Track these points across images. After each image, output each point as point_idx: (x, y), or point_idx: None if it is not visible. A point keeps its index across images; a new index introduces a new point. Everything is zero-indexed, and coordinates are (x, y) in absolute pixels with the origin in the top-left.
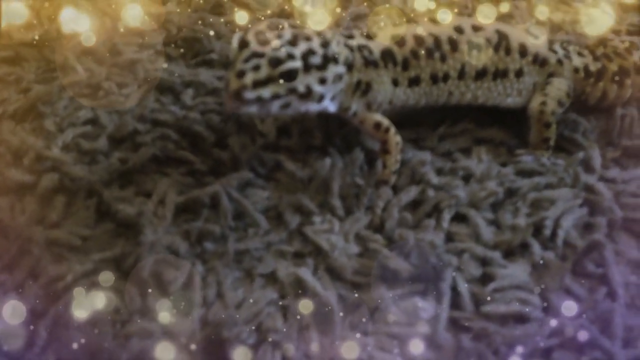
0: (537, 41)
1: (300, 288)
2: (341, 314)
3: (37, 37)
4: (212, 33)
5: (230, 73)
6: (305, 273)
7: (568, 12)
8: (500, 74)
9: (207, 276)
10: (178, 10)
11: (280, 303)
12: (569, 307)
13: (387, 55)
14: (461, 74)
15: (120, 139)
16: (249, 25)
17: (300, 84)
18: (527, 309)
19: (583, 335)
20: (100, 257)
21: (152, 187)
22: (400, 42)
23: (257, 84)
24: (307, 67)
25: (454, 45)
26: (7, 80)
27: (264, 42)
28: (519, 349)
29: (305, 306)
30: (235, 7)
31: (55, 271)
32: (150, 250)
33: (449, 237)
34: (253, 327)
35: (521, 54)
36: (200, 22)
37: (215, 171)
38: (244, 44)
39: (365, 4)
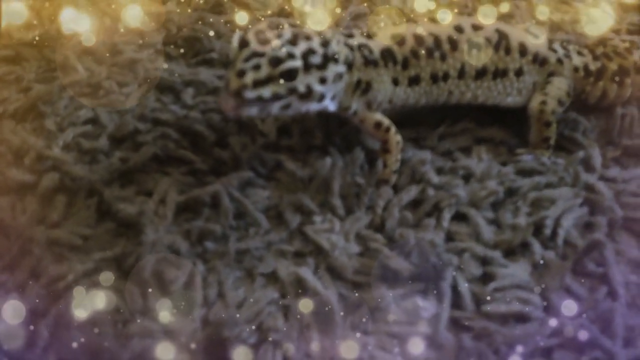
0: (537, 40)
1: (301, 287)
2: (342, 313)
3: (37, 37)
4: (212, 32)
5: (231, 72)
6: (306, 272)
7: (568, 12)
8: (500, 74)
9: (208, 276)
10: (178, 9)
11: (281, 302)
12: (570, 307)
13: (387, 54)
14: (461, 73)
15: (120, 138)
16: (249, 25)
17: (300, 84)
18: (528, 309)
19: (583, 335)
20: (101, 256)
21: (153, 186)
22: (400, 41)
23: (258, 84)
24: (308, 67)
25: (454, 44)
26: (8, 79)
27: (264, 42)
28: (520, 349)
29: (306, 306)
30: (235, 7)
31: (56, 271)
32: (151, 249)
33: (450, 237)
34: (254, 327)
35: (521, 53)
36: (200, 21)
37: (216, 170)
38: (244, 43)
39: (365, 3)
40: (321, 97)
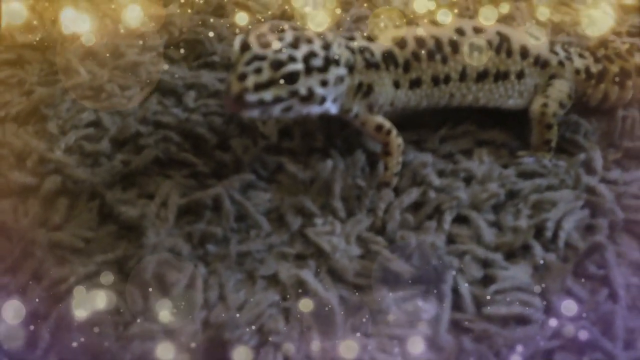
0: (539, 43)
1: (302, 290)
2: (342, 315)
3: (39, 40)
4: (213, 35)
5: (232, 76)
6: (307, 275)
7: (569, 14)
8: (501, 76)
9: (209, 278)
10: (179, 12)
11: (282, 305)
12: (570, 309)
13: (388, 57)
14: (462, 76)
15: (122, 141)
16: (250, 28)
17: (301, 87)
18: (529, 311)
19: (584, 337)
20: (103, 259)
21: (154, 189)
22: (401, 43)
23: (259, 87)
24: (309, 70)
25: (455, 47)
26: (10, 82)
27: (266, 45)
28: (520, 351)
29: (307, 308)
30: (237, 9)
31: (58, 273)
32: (153, 252)
33: (451, 239)
34: (255, 329)
35: (522, 56)
36: (201, 24)
37: (217, 173)
38: (245, 46)
39: (365, 5)
40: (322, 100)
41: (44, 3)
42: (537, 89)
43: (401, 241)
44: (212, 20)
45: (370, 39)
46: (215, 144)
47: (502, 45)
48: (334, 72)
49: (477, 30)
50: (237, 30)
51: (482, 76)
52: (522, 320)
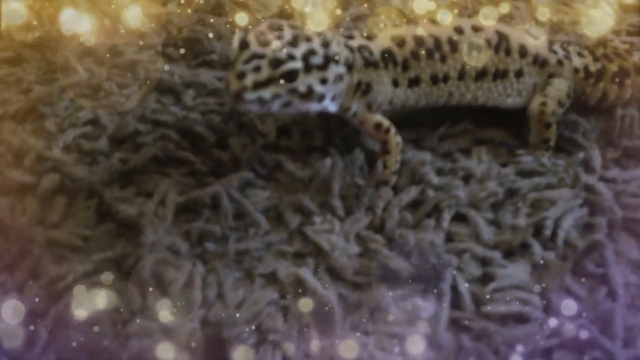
0: (537, 42)
1: (301, 288)
2: (341, 313)
3: (37, 38)
4: (212, 34)
5: (231, 74)
6: (306, 273)
7: (568, 13)
8: (500, 75)
9: (208, 276)
10: (178, 11)
11: (281, 303)
12: (569, 307)
13: (387, 55)
14: (461, 75)
15: (121, 139)
16: (249, 26)
17: (301, 85)
18: (528, 309)
19: (583, 335)
20: (101, 257)
21: (152, 187)
22: (400, 42)
23: (258, 85)
24: (308, 68)
25: (454, 45)
26: (8, 81)
27: (265, 43)
28: (519, 349)
29: (306, 306)
30: (236, 8)
31: (56, 271)
32: (151, 250)
33: (449, 237)
34: (253, 327)
35: (521, 55)
36: (200, 22)
37: (215, 171)
38: (244, 44)
39: (365, 5)
40: (321, 98)
41: (43, 2)
42: (536, 88)
43: (400, 239)
44: (211, 19)
45: (369, 37)
46: (214, 142)
47: (501, 44)
48: (334, 70)
49: (476, 29)
50: (237, 30)
51: (481, 75)
52: (521, 319)
